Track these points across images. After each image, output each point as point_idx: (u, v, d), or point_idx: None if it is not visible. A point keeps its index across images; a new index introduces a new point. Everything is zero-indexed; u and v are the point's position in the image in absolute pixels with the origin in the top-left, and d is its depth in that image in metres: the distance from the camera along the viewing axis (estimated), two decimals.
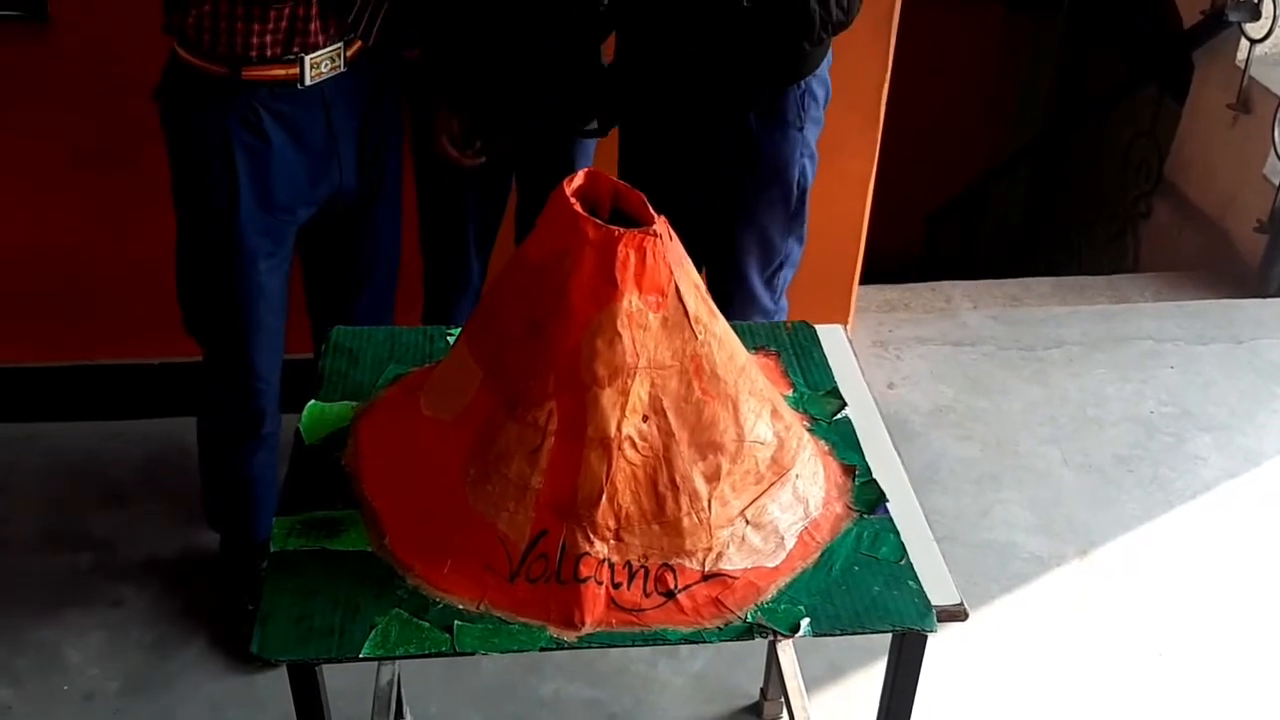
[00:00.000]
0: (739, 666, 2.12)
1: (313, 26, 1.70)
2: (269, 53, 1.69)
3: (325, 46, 1.73)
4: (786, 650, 1.92)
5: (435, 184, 2.06)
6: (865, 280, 2.92)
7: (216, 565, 2.22)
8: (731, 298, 2.02)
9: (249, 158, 1.75)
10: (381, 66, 1.86)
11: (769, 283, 2.07)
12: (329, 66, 1.75)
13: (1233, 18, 3.48)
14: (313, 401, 1.46)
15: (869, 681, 2.09)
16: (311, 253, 2.00)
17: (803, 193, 1.99)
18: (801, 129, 1.93)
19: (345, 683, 2.04)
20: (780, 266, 2.08)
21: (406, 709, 1.97)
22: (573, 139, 2.03)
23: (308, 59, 1.72)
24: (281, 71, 1.72)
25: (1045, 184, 5.24)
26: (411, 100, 1.97)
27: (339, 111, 1.80)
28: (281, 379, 2.00)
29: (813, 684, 2.04)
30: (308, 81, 1.73)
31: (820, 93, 1.96)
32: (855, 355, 1.64)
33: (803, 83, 1.90)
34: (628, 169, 2.02)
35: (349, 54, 1.77)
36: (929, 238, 5.52)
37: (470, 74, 1.90)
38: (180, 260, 1.89)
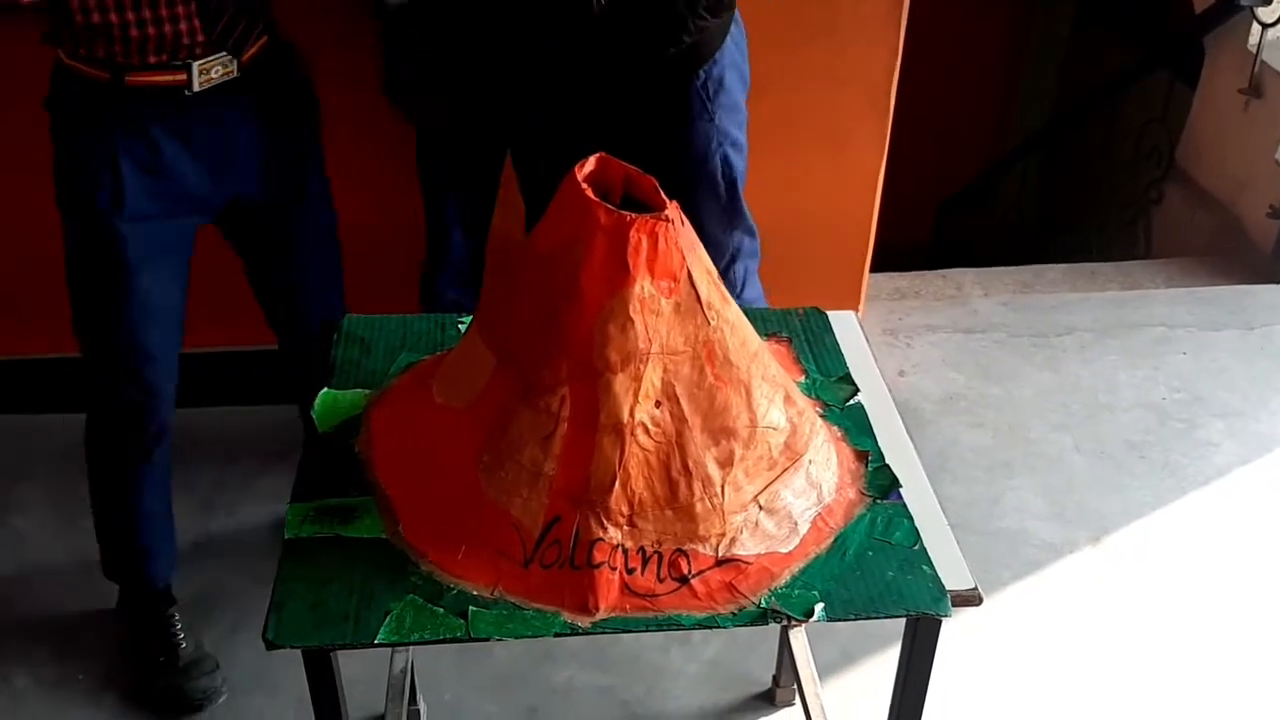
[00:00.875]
0: (751, 653, 2.12)
1: (195, 28, 1.61)
2: (151, 59, 1.62)
3: (214, 53, 1.65)
4: (799, 637, 1.92)
5: (424, 153, 2.06)
6: (876, 269, 2.91)
7: (118, 618, 2.10)
8: None
9: (135, 165, 1.68)
10: (286, 70, 1.79)
11: (722, 280, 2.05)
12: (220, 72, 1.67)
13: (1244, 2, 3.46)
14: (325, 389, 1.46)
15: (882, 668, 2.09)
16: (242, 255, 1.95)
17: (731, 183, 1.95)
18: (713, 119, 1.90)
19: (359, 671, 2.06)
20: (731, 261, 2.05)
21: (420, 697, 1.98)
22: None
23: (195, 65, 1.64)
24: (167, 77, 1.64)
25: (1056, 171, 5.21)
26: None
27: (234, 119, 1.73)
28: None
29: (825, 670, 2.04)
30: (196, 88, 1.65)
31: (731, 78, 1.91)
32: (867, 341, 1.64)
33: (702, 72, 1.86)
34: (543, 186, 1.98)
35: (243, 59, 1.69)
36: (940, 227, 5.50)
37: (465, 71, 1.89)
38: (68, 264, 1.79)
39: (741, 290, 2.07)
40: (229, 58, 1.67)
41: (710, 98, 1.88)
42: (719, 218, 1.97)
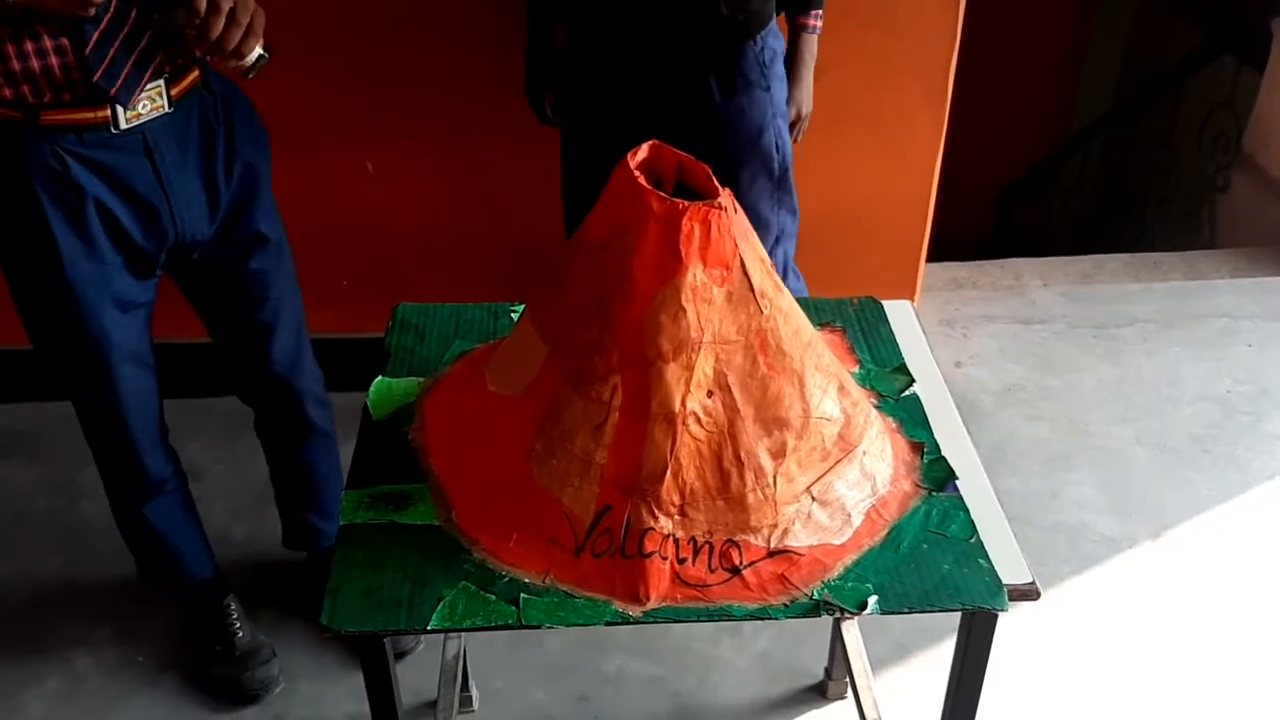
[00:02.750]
0: (803, 646, 2.11)
1: (70, 64, 1.46)
2: (64, 95, 1.47)
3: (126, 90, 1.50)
4: (851, 630, 1.90)
5: (572, 155, 2.06)
6: (933, 259, 2.88)
7: (176, 605, 2.13)
8: None
9: (60, 211, 1.54)
10: (225, 100, 1.67)
11: None
12: (149, 107, 1.54)
13: None
14: (380, 378, 1.47)
15: (935, 663, 2.07)
16: (197, 303, 1.85)
17: (783, 159, 1.91)
18: (768, 88, 1.84)
19: (412, 657, 2.08)
20: (776, 243, 2.01)
21: (472, 683, 1.99)
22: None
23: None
24: (89, 115, 1.50)
25: (1118, 158, 5.11)
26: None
27: (167, 156, 1.59)
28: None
29: (878, 664, 2.02)
30: (123, 125, 1.53)
31: (778, 47, 1.88)
32: (923, 331, 1.62)
33: (759, 38, 1.81)
34: (589, 166, 1.93)
35: (174, 92, 1.56)
36: (999, 218, 5.42)
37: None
38: (22, 318, 1.69)
39: (784, 276, 2.03)
40: (160, 89, 1.54)
41: (767, 66, 1.84)
42: (769, 196, 1.93)
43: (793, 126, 2.08)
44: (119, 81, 1.49)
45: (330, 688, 2.04)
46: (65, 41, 1.44)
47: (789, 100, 2.04)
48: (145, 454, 1.84)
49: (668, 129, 1.80)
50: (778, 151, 1.89)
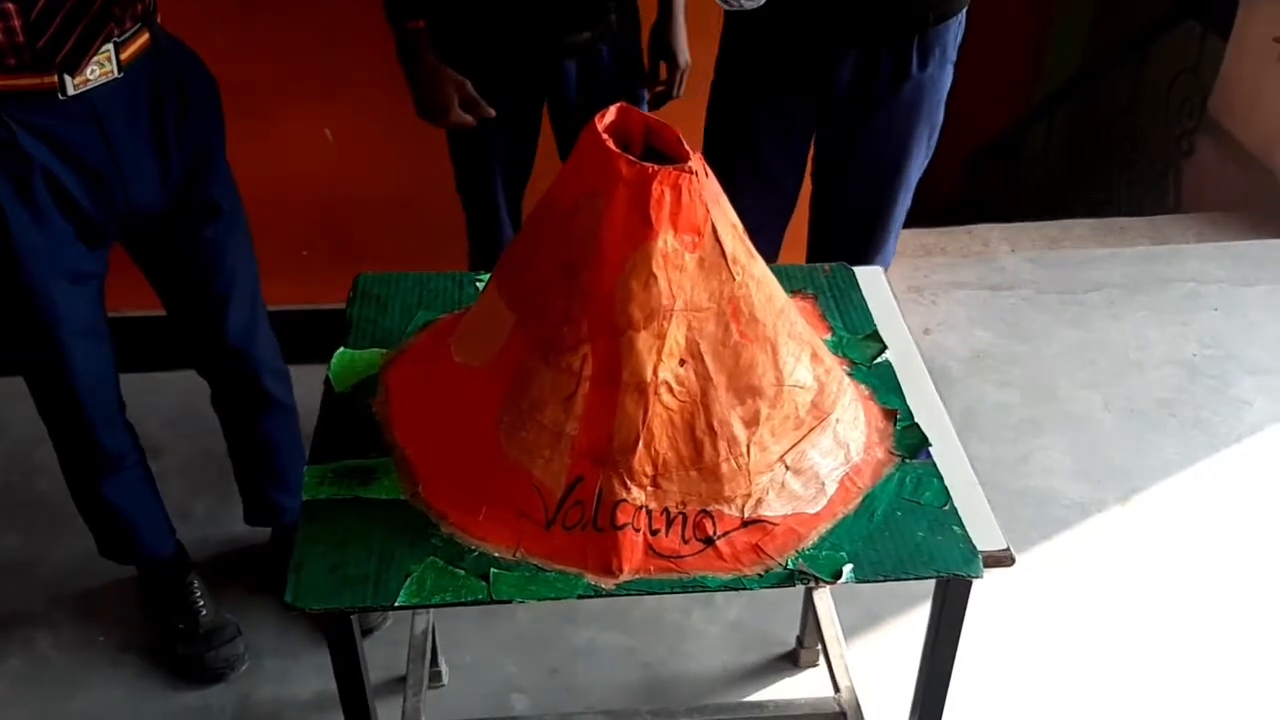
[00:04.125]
0: (775, 614, 2.10)
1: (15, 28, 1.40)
2: (9, 60, 1.42)
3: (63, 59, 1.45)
4: (824, 598, 1.90)
5: (463, 142, 2.02)
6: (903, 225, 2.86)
7: (138, 583, 2.10)
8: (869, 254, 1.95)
9: (7, 180, 1.50)
10: (177, 65, 1.62)
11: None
12: (97, 73, 1.49)
13: None
14: (341, 349, 1.44)
15: (907, 628, 2.07)
16: (151, 274, 1.80)
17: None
18: (956, 63, 1.82)
19: (380, 632, 2.06)
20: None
21: (441, 658, 1.97)
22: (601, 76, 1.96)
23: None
24: (34, 81, 1.44)
25: (1084, 124, 5.12)
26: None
27: (117, 124, 1.54)
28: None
29: (850, 632, 2.02)
30: (70, 91, 1.47)
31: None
32: (895, 297, 1.60)
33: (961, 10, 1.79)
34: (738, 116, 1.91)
35: (123, 57, 1.51)
36: (968, 179, 5.42)
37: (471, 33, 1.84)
38: None
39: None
40: (110, 54, 1.49)
41: (958, 40, 1.83)
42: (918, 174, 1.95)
43: (669, 82, 2.05)
44: (66, 48, 1.43)
45: (296, 665, 2.01)
46: (10, 6, 1.38)
47: (663, 52, 2.01)
48: (101, 430, 1.80)
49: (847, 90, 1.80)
50: (939, 131, 1.93)
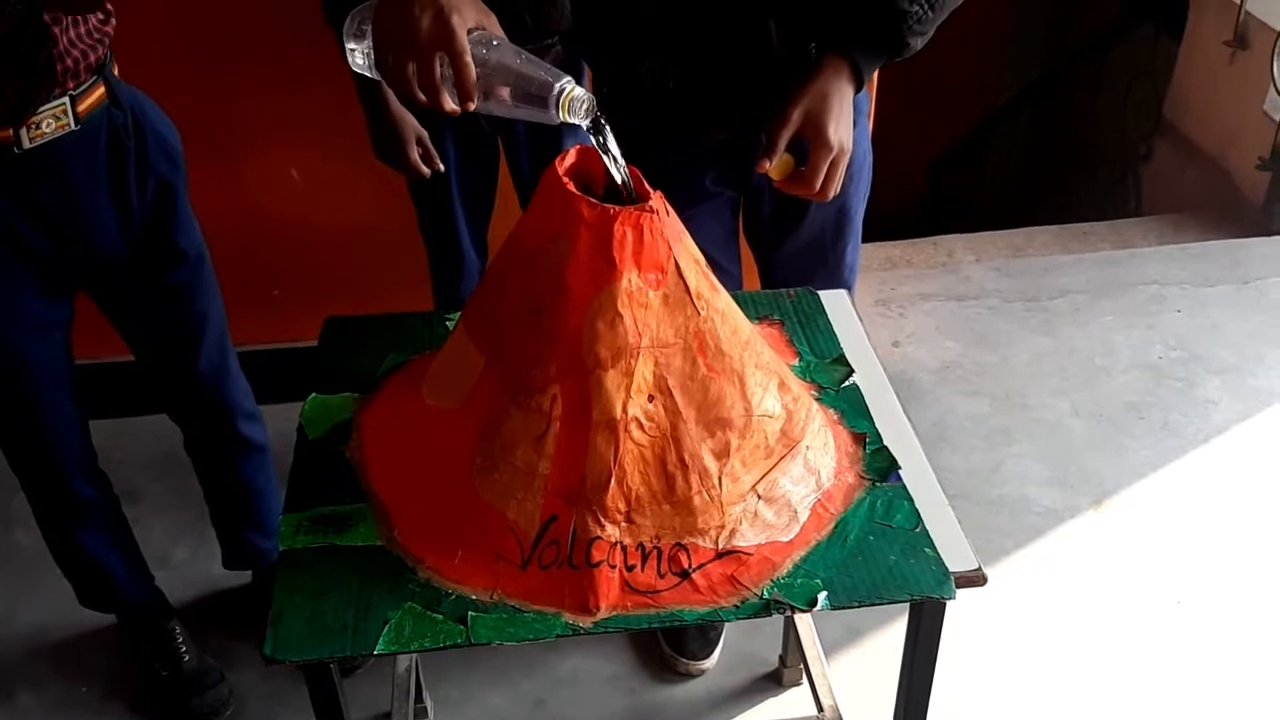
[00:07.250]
0: (756, 635, 2.12)
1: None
2: None
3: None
4: (804, 617, 1.91)
5: (422, 184, 2.01)
6: (869, 236, 2.88)
7: (120, 631, 2.10)
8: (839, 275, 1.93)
9: None
10: (136, 115, 1.62)
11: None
12: (54, 126, 1.49)
13: None
14: (313, 395, 1.44)
15: (888, 643, 2.09)
16: (118, 322, 1.80)
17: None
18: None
19: (365, 669, 2.06)
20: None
21: (426, 693, 1.97)
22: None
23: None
24: None
25: (1045, 129, 5.19)
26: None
27: (77, 175, 1.55)
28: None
29: (831, 648, 2.04)
30: (26, 145, 1.48)
31: None
32: (860, 320, 1.62)
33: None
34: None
35: (79, 110, 1.51)
36: (933, 185, 5.47)
37: None
38: None
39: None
40: (65, 107, 1.49)
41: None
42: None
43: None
44: (8, 103, 1.43)
45: (282, 708, 2.01)
46: None
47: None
48: (73, 479, 1.80)
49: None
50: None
